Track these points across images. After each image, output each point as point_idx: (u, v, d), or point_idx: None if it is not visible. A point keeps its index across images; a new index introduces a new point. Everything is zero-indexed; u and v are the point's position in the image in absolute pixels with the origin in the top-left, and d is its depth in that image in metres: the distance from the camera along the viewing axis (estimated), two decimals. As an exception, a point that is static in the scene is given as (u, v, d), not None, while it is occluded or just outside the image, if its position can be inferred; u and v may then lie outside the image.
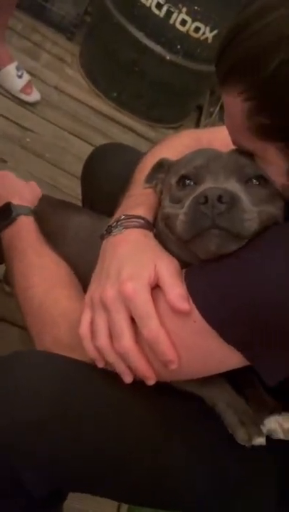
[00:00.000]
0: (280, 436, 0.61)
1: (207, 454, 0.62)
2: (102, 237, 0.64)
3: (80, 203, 1.05)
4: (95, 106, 1.90)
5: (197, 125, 2.14)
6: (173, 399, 0.61)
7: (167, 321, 0.53)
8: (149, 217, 0.65)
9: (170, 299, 0.52)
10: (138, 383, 0.56)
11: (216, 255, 0.53)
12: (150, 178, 0.69)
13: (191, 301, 0.52)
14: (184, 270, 0.56)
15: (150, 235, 0.62)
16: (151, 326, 0.52)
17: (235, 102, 0.51)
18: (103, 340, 0.55)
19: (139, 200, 0.68)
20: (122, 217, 0.64)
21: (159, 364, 0.54)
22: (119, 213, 0.66)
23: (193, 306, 0.52)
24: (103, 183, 0.93)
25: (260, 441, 0.60)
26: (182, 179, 0.59)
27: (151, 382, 0.55)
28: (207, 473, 0.61)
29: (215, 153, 0.61)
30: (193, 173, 0.58)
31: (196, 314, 0.52)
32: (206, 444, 0.62)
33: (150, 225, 0.64)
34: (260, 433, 0.60)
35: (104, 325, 0.55)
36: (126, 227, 0.62)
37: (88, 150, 1.33)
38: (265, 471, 0.65)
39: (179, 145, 0.77)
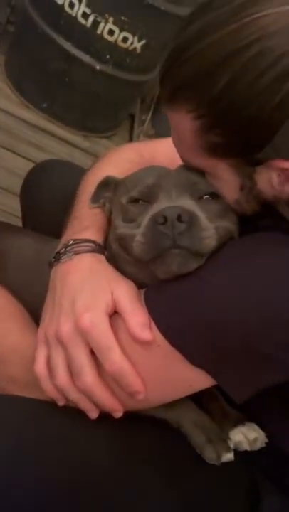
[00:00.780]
0: (246, 447, 0.61)
1: (176, 479, 0.60)
2: (51, 265, 0.61)
3: (15, 219, 1.00)
4: (25, 118, 1.83)
5: (130, 133, 2.14)
6: (136, 427, 0.59)
7: (130, 350, 0.51)
8: (99, 240, 0.62)
9: (131, 329, 0.50)
10: (100, 417, 0.54)
11: (176, 275, 0.52)
12: (96, 198, 0.66)
13: (153, 325, 0.51)
14: (142, 291, 0.55)
15: (102, 258, 0.59)
16: (114, 359, 0.50)
17: (184, 121, 0.51)
18: (63, 378, 0.52)
19: (86, 222, 0.65)
20: (71, 242, 0.60)
21: (125, 395, 0.52)
22: (67, 238, 0.62)
23: (157, 330, 0.50)
24: (46, 202, 0.89)
25: (229, 457, 0.59)
26: (134, 200, 0.57)
27: (118, 414, 0.53)
28: (177, 499, 0.59)
29: (164, 171, 0.60)
30: (145, 193, 0.57)
31: (160, 338, 0.50)
32: (174, 469, 0.61)
33: (101, 248, 0.61)
34: (228, 449, 0.60)
35: (62, 361, 0.52)
36: (76, 253, 0.59)
37: (22, 163, 1.28)
38: (235, 485, 0.65)
39: (120, 160, 0.76)
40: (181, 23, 0.50)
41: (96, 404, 0.52)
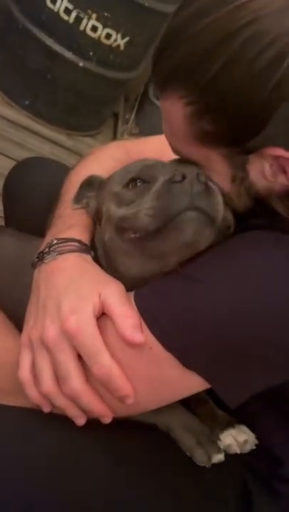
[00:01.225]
0: (236, 450, 0.61)
1: (166, 481, 0.59)
2: (34, 266, 0.58)
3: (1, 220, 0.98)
4: (7, 116, 1.80)
5: (114, 132, 2.12)
6: (126, 429, 0.57)
7: (120, 353, 0.49)
8: (85, 240, 0.59)
9: (121, 331, 0.48)
10: (87, 425, 0.52)
11: (187, 244, 0.49)
12: (79, 198, 0.64)
13: (145, 327, 0.49)
14: (131, 294, 0.53)
15: (89, 258, 0.57)
16: (102, 363, 0.48)
17: (176, 108, 0.49)
18: (48, 384, 0.50)
19: (70, 221, 0.63)
20: (55, 241, 0.58)
21: (115, 401, 0.50)
22: (50, 237, 0.60)
23: (148, 332, 0.49)
24: (28, 200, 0.86)
25: (219, 458, 0.59)
26: (132, 181, 0.55)
27: (107, 420, 0.51)
28: (168, 501, 0.58)
29: (158, 161, 0.58)
30: (145, 172, 0.54)
31: (152, 340, 0.49)
32: (165, 471, 0.59)
33: (87, 248, 0.58)
34: (218, 450, 0.59)
35: (48, 367, 0.50)
36: (60, 253, 0.56)
37: (4, 162, 1.25)
38: (226, 488, 0.64)
39: (105, 158, 0.74)
40: (177, 9, 0.49)
41: (84, 410, 0.51)
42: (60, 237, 0.59)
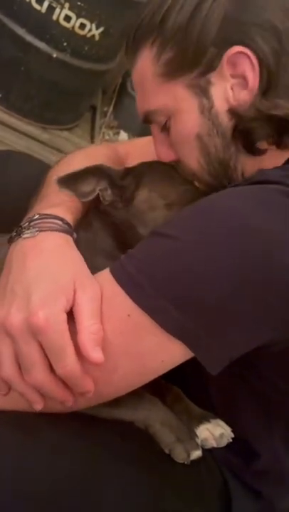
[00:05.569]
0: (213, 444, 0.59)
1: (144, 478, 0.56)
2: (10, 241, 0.54)
3: None
4: (-21, 109, 1.75)
5: (92, 125, 2.08)
6: (102, 426, 0.55)
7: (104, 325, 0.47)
8: (69, 220, 0.56)
9: (82, 342, 0.45)
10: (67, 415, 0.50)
11: None
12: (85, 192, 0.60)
13: (123, 295, 0.46)
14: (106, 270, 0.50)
15: (70, 241, 0.54)
16: (66, 362, 0.45)
17: (145, 56, 0.59)
18: (10, 370, 0.47)
19: (55, 200, 0.59)
20: (36, 216, 0.54)
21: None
22: (33, 213, 0.57)
23: (127, 298, 0.46)
24: (4, 197, 0.82)
25: (197, 454, 0.57)
26: None
27: (69, 404, 0.48)
28: (146, 499, 0.55)
29: None
30: None
31: (130, 306, 0.46)
32: (142, 468, 0.56)
33: (70, 229, 0.55)
34: (196, 447, 0.58)
35: (10, 353, 0.47)
36: (40, 229, 0.53)
37: (-24, 156, 1.19)
38: (206, 485, 0.62)
39: (98, 154, 0.73)
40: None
41: (45, 396, 0.48)
42: (43, 212, 0.56)
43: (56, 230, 0.53)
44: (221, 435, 0.59)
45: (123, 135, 2.14)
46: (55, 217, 0.55)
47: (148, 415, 0.58)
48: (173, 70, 0.57)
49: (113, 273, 0.48)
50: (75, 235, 0.56)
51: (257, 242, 0.45)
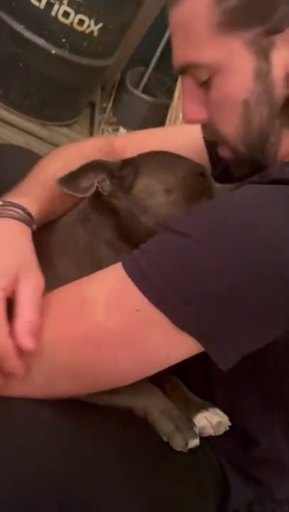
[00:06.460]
0: (211, 432, 0.60)
1: (143, 467, 0.56)
2: None
3: None
4: (-21, 105, 1.76)
5: (91, 121, 2.09)
6: (100, 414, 0.55)
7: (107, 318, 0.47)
8: (33, 211, 0.57)
9: (18, 330, 0.46)
10: (61, 416, 0.50)
11: None
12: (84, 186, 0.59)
13: (134, 288, 0.46)
14: (117, 264, 0.50)
15: (28, 231, 0.55)
16: None
17: (200, 2, 0.51)
18: None
19: (24, 190, 0.60)
20: (1, 203, 0.56)
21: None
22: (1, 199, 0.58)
23: (137, 291, 0.46)
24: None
25: (195, 442, 0.58)
26: None
27: (21, 373, 0.49)
28: (145, 488, 0.55)
29: None
30: None
31: (140, 300, 0.46)
32: (141, 457, 0.57)
33: (31, 220, 0.56)
34: (194, 435, 0.58)
35: None
36: (1, 215, 0.54)
37: (-24, 152, 1.18)
38: (205, 474, 0.62)
39: (89, 147, 0.73)
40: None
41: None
42: (8, 200, 0.57)
43: (15, 218, 0.55)
44: (219, 423, 0.59)
45: (122, 131, 2.14)
46: (17, 205, 0.56)
47: (148, 403, 0.59)
48: (235, 22, 0.50)
49: (125, 266, 0.49)
50: (34, 226, 0.57)
51: (269, 239, 0.45)
